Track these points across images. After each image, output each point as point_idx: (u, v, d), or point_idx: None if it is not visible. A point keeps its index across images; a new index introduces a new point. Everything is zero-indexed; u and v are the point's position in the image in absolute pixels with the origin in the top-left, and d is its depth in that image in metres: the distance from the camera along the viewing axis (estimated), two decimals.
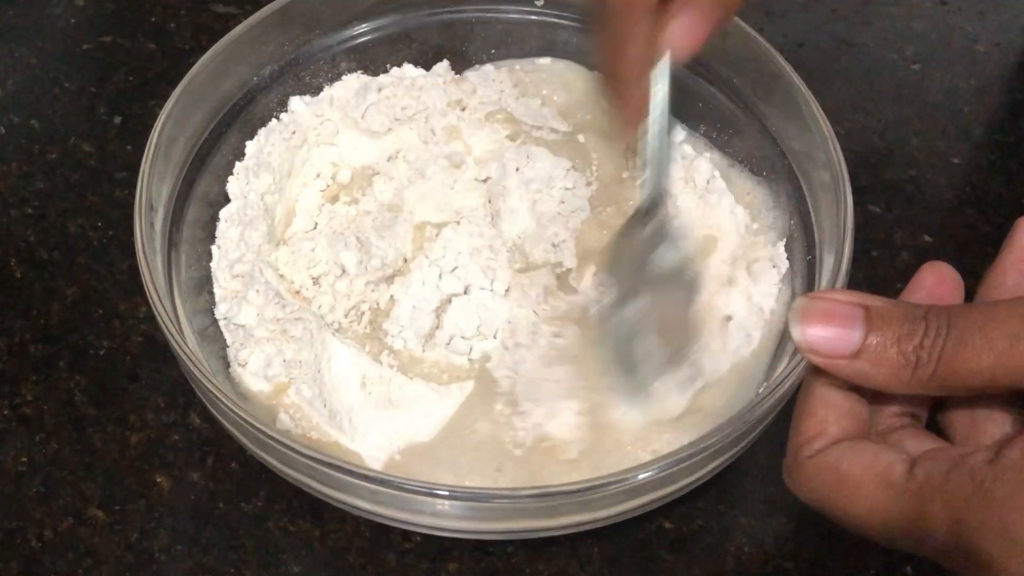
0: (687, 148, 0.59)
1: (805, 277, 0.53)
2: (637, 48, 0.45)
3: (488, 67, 0.63)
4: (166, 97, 0.53)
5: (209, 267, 0.55)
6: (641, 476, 0.43)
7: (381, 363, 0.51)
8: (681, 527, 0.52)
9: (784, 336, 0.51)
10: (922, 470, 0.34)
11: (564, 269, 0.55)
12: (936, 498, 0.33)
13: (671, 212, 0.51)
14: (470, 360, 0.51)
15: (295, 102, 0.60)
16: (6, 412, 0.55)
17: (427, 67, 0.63)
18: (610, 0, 0.44)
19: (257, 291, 0.52)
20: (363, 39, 0.62)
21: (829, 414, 0.38)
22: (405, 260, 0.55)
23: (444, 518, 0.44)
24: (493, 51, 0.64)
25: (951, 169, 0.68)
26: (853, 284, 0.57)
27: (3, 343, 0.58)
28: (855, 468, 0.36)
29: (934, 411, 0.39)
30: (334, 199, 0.58)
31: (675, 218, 0.51)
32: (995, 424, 0.38)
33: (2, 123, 0.68)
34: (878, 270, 0.62)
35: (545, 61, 0.64)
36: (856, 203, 0.50)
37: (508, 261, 0.54)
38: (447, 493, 0.43)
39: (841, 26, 0.75)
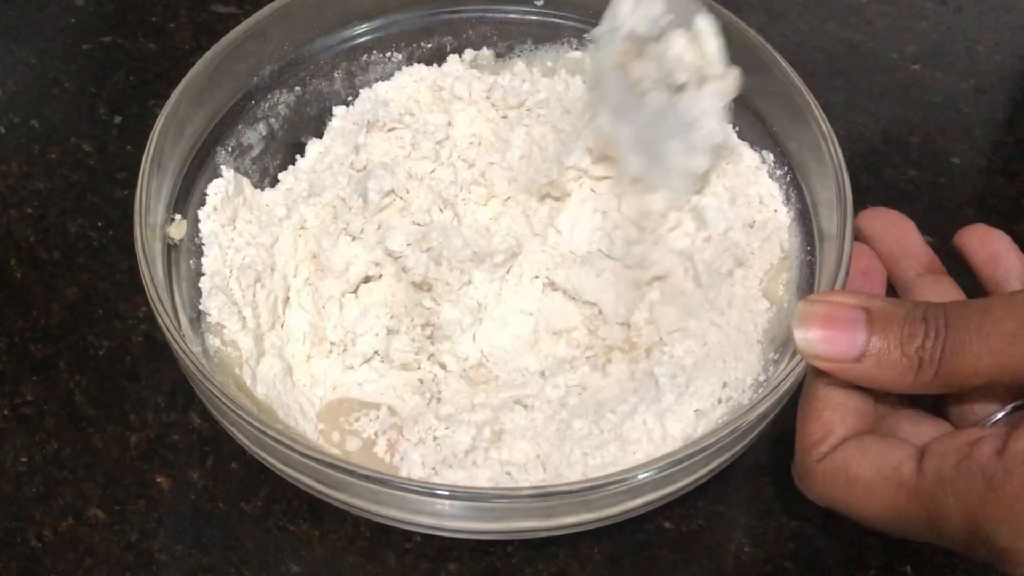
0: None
1: (805, 277, 0.53)
2: None
3: (519, 65, 0.63)
4: (166, 97, 0.53)
5: None
6: (641, 476, 0.43)
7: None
8: (681, 527, 0.53)
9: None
10: (931, 466, 0.35)
11: None
12: (948, 495, 0.34)
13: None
14: None
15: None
16: (6, 412, 0.55)
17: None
18: None
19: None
20: (363, 39, 0.62)
21: (834, 415, 0.38)
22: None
23: (444, 518, 0.44)
24: (495, 51, 0.64)
25: (951, 169, 0.68)
26: None
27: (3, 343, 0.58)
28: (865, 470, 0.36)
29: None
30: None
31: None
32: (989, 396, 0.38)
33: (2, 123, 0.68)
34: None
35: (576, 55, 0.63)
36: (856, 203, 0.50)
37: None
38: (447, 493, 0.43)
39: (841, 26, 0.75)
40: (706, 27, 0.51)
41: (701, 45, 0.50)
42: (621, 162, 0.53)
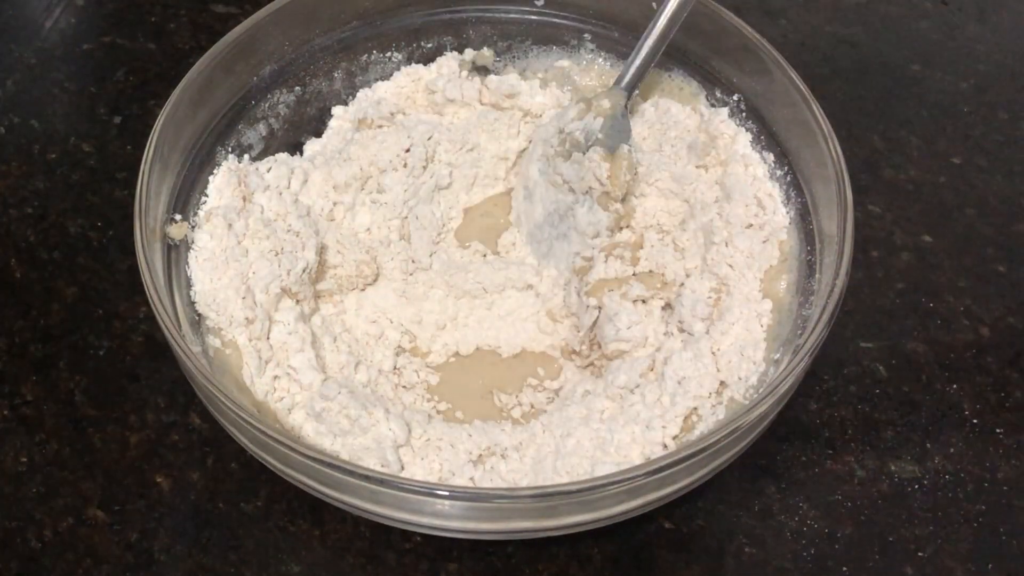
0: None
1: (805, 277, 0.53)
2: None
3: (513, 75, 0.64)
4: (166, 97, 0.53)
5: None
6: (641, 476, 0.43)
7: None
8: (681, 527, 0.53)
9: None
10: None
11: None
12: None
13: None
14: None
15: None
16: (6, 412, 0.55)
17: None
18: None
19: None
20: (362, 39, 0.62)
21: None
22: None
23: (444, 518, 0.44)
24: (494, 51, 0.64)
25: (951, 169, 0.68)
26: (853, 284, 0.58)
27: (3, 343, 0.58)
28: None
29: None
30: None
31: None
32: None
33: (2, 123, 0.68)
34: (878, 270, 0.62)
35: (564, 63, 0.64)
36: (856, 203, 0.50)
37: None
38: (447, 493, 0.43)
39: (841, 26, 0.75)
40: (623, 155, 0.58)
41: (613, 168, 0.57)
42: (517, 228, 0.61)
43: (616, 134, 0.59)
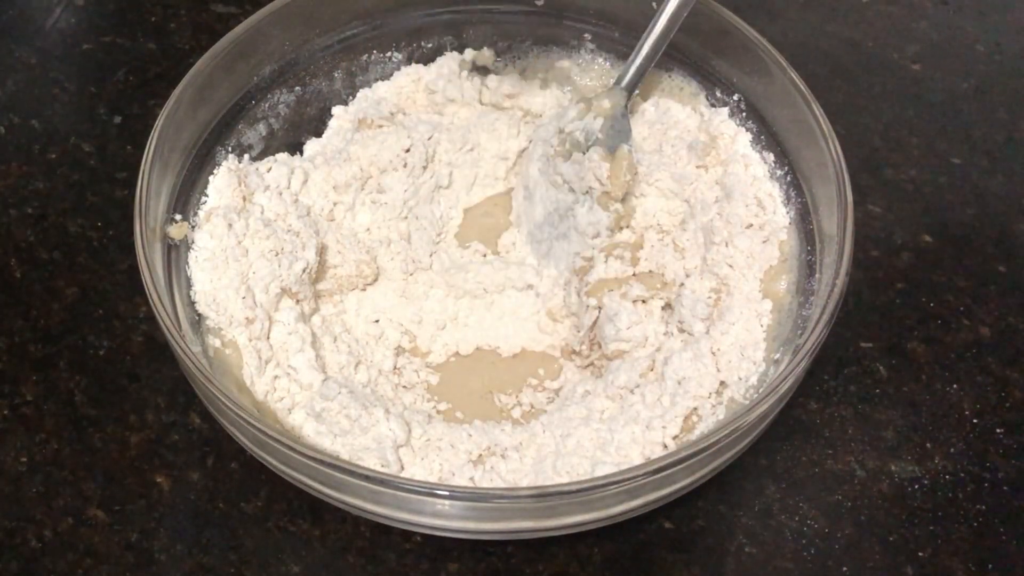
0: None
1: (805, 277, 0.53)
2: None
3: (514, 76, 0.64)
4: (166, 97, 0.53)
5: None
6: (641, 476, 0.43)
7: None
8: (681, 527, 0.53)
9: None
10: None
11: None
12: None
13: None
14: None
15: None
16: (6, 412, 0.55)
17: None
18: None
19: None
20: (362, 39, 0.62)
21: None
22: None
23: (444, 518, 0.45)
24: (494, 51, 0.64)
25: (951, 169, 0.68)
26: (853, 284, 0.58)
27: (3, 343, 0.58)
28: None
29: None
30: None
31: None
32: None
33: (2, 123, 0.68)
34: (878, 270, 0.62)
35: (565, 64, 0.64)
36: (856, 203, 0.50)
37: None
38: (447, 493, 0.43)
39: (841, 26, 0.75)
40: (624, 155, 0.57)
41: (614, 168, 0.57)
42: (517, 228, 0.61)
43: (616, 134, 0.58)
